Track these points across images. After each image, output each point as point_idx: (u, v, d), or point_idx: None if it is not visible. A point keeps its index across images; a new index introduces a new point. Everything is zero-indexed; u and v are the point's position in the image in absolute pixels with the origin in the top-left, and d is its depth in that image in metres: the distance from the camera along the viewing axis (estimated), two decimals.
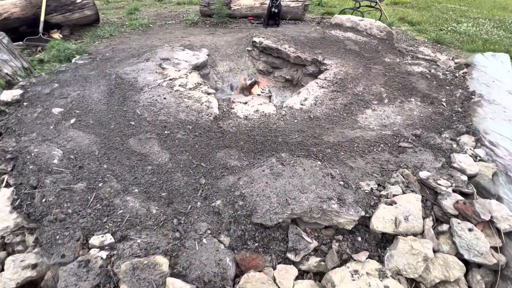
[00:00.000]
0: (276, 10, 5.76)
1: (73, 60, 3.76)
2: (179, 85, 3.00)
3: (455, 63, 3.74)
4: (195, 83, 3.07)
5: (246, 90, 4.22)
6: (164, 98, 2.78)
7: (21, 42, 4.85)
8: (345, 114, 2.70)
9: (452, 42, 6.00)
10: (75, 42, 5.28)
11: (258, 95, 4.15)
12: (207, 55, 4.47)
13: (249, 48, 4.68)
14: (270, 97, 4.29)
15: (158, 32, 5.65)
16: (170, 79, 3.11)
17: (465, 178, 1.91)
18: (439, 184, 1.81)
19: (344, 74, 3.36)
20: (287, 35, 4.79)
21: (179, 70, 3.38)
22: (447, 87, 3.22)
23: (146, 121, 2.50)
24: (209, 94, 2.88)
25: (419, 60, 3.91)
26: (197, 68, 3.88)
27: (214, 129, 2.46)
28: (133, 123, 2.48)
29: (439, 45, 5.89)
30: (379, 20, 6.69)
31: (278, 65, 4.47)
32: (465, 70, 3.56)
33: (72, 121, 2.49)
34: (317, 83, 3.19)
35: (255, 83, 4.28)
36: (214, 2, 6.38)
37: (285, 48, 4.25)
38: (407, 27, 7.03)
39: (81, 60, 3.73)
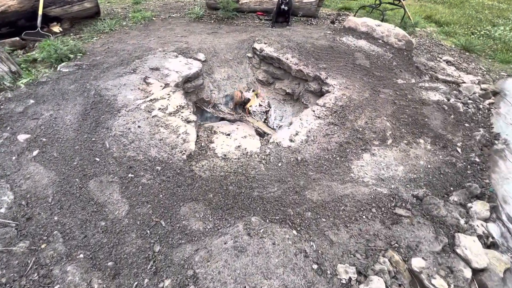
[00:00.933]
0: (286, 8, 5.19)
1: (58, 67, 3.50)
2: (159, 109, 2.68)
3: (481, 89, 3.16)
4: (176, 106, 2.74)
5: (242, 106, 3.84)
6: (139, 127, 2.48)
7: (17, 38, 4.64)
8: (338, 158, 2.31)
9: (483, 50, 5.23)
10: (74, 37, 5.02)
11: (254, 111, 3.76)
12: (204, 60, 4.08)
13: (250, 55, 4.23)
14: (267, 112, 3.90)
15: (159, 27, 5.26)
16: (151, 100, 2.79)
17: (468, 274, 1.52)
18: (433, 286, 1.44)
19: (346, 100, 2.90)
20: (293, 40, 4.27)
21: (165, 86, 3.03)
22: (466, 124, 2.71)
23: (112, 158, 2.23)
24: (189, 122, 2.55)
25: (438, 82, 3.35)
26: (189, 79, 3.53)
27: (185, 172, 2.16)
28: (98, 159, 2.22)
29: (467, 53, 5.16)
30: (402, 19, 5.96)
31: (279, 75, 4.02)
32: (492, 100, 2.99)
33: (35, 152, 2.26)
34: (313, 111, 2.77)
35: (248, 100, 3.86)
36: None
37: (287, 59, 3.78)
38: (433, 28, 6.23)
39: (66, 68, 3.46)
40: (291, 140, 2.46)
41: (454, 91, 3.16)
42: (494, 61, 4.99)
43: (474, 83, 3.27)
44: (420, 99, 2.97)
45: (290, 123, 2.63)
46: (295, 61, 3.73)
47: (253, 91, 4.13)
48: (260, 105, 3.97)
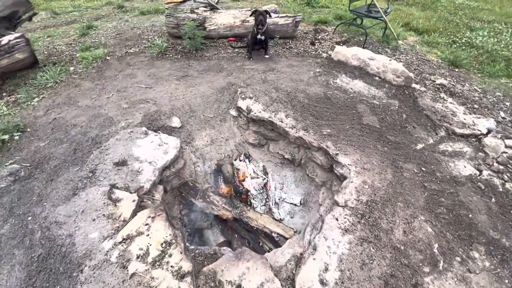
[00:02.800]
0: (262, 37, 4.36)
1: None
2: (138, 257, 1.87)
3: (507, 146, 2.69)
4: (161, 245, 1.93)
5: (239, 193, 3.04)
6: None
7: None
8: None
9: (471, 64, 4.84)
10: (8, 99, 3.85)
11: (253, 196, 3.01)
12: (180, 127, 3.23)
13: (234, 113, 3.41)
14: (266, 184, 3.18)
15: (117, 73, 4.20)
16: (124, 239, 1.96)
17: None
18: None
19: (370, 192, 2.27)
20: (281, 89, 3.51)
21: (138, 199, 2.19)
22: None
23: None
24: (183, 277, 1.79)
25: (456, 139, 2.83)
26: (166, 168, 2.69)
27: None
28: None
29: (456, 70, 4.74)
30: (384, 34, 5.37)
31: (274, 137, 3.29)
32: None
33: None
34: (336, 220, 2.11)
35: (243, 181, 3.08)
36: (185, 23, 4.85)
37: (282, 121, 3.03)
38: (414, 37, 5.73)
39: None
40: (323, 283, 1.81)
41: (480, 153, 2.66)
42: (484, 76, 4.62)
43: (497, 137, 2.79)
44: (451, 177, 2.42)
45: (314, 248, 1.96)
46: (292, 123, 3.01)
47: (245, 157, 3.37)
48: (255, 174, 3.24)
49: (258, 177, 3.19)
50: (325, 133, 2.84)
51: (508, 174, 2.43)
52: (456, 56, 4.85)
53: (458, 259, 1.91)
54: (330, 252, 1.94)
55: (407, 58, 4.93)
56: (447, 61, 4.86)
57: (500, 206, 2.21)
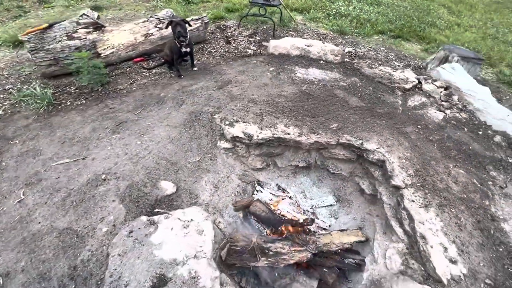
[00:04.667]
0: (188, 49, 3.71)
1: None
2: None
3: (438, 87, 3.51)
4: None
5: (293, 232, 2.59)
6: None
7: None
8: None
9: (350, 30, 5.85)
10: None
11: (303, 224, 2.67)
12: (176, 191, 2.43)
13: (227, 145, 2.83)
14: (291, 198, 2.91)
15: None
16: None
17: None
18: None
19: (409, 164, 2.45)
20: (256, 101, 3.14)
21: None
22: (480, 133, 2.98)
23: None
24: None
25: (410, 94, 3.44)
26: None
27: None
28: None
29: (346, 37, 5.63)
30: (281, 19, 5.65)
31: (279, 151, 2.98)
32: (455, 96, 3.38)
33: None
34: (413, 201, 2.19)
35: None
36: (67, 55, 3.48)
37: (288, 134, 2.77)
38: (299, 16, 6.33)
39: None
40: (452, 262, 1.89)
41: (430, 98, 3.36)
42: (363, 37, 5.71)
43: (423, 81, 3.57)
44: (436, 124, 2.97)
45: (422, 237, 1.97)
46: (296, 131, 2.80)
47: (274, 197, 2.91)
48: (276, 197, 2.90)
49: (283, 198, 2.88)
50: (334, 128, 2.81)
51: (456, 107, 3.21)
52: (339, 25, 5.73)
53: (490, 183, 2.42)
54: (435, 233, 2.03)
55: (310, 36, 5.42)
56: (336, 31, 5.68)
57: (471, 131, 2.92)
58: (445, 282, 1.82)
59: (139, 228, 1.96)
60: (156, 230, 1.97)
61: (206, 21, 4.54)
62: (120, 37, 3.90)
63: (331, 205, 2.93)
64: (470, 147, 2.72)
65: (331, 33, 5.66)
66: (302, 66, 3.71)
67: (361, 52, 4.88)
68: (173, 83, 3.67)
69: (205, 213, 2.16)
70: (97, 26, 3.89)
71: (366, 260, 2.29)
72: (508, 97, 3.98)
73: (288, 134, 2.77)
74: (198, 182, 2.60)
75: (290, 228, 2.42)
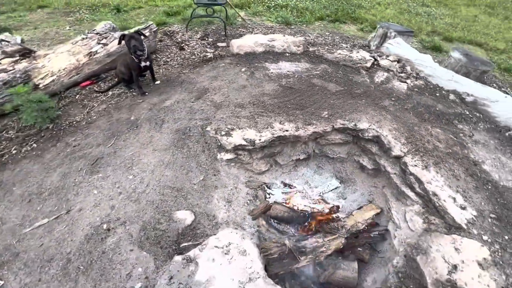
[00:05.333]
0: (147, 63, 3.38)
1: None
2: None
3: (391, 60, 3.91)
4: None
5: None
6: None
7: None
8: None
9: (294, 20, 6.07)
10: None
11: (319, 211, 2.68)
12: (194, 219, 2.23)
13: (229, 156, 2.66)
14: (300, 192, 2.94)
15: None
16: None
17: None
18: None
19: (405, 141, 2.70)
20: (242, 104, 3.04)
21: None
22: (442, 93, 3.44)
23: None
24: None
25: (371, 71, 3.77)
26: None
27: None
28: None
29: (292, 26, 5.83)
30: (227, 17, 5.54)
31: (279, 150, 2.95)
32: (408, 67, 3.82)
33: None
34: (436, 172, 2.42)
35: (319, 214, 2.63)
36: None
37: (286, 130, 2.75)
38: (243, 13, 6.29)
39: None
40: (474, 220, 2.16)
41: (390, 72, 3.74)
42: (307, 25, 6.01)
43: (378, 58, 3.96)
44: (405, 94, 3.32)
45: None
46: (293, 126, 2.80)
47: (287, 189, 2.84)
48: (284, 194, 2.90)
49: (290, 192, 2.90)
50: (326, 116, 2.92)
51: (412, 76, 3.64)
52: (283, 17, 5.90)
53: (461, 134, 2.84)
54: (442, 188, 2.30)
55: (259, 30, 5.46)
56: (282, 23, 5.84)
57: (431, 94, 3.37)
58: (464, 227, 2.09)
59: (178, 271, 1.74)
60: (197, 266, 1.77)
61: (154, 29, 4.17)
62: (58, 61, 3.30)
63: (336, 188, 3.06)
64: (437, 108, 3.14)
65: (278, 25, 5.78)
66: (271, 61, 3.72)
67: (311, 39, 5.12)
68: (140, 103, 3.30)
69: (238, 231, 2.03)
70: (25, 53, 3.21)
71: (389, 228, 2.47)
72: (441, 59, 4.69)
73: (287, 130, 2.76)
74: (210, 202, 2.42)
75: (317, 220, 2.45)
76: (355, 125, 2.80)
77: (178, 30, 5.04)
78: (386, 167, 2.66)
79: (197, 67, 3.85)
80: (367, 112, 2.96)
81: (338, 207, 2.53)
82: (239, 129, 2.73)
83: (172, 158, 2.59)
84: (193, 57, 4.27)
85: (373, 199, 2.83)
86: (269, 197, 2.78)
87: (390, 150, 2.62)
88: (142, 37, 3.25)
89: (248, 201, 2.68)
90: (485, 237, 2.03)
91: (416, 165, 2.46)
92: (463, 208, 2.19)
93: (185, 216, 2.19)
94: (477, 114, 3.19)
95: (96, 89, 3.52)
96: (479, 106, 3.17)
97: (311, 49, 4.15)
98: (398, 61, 3.85)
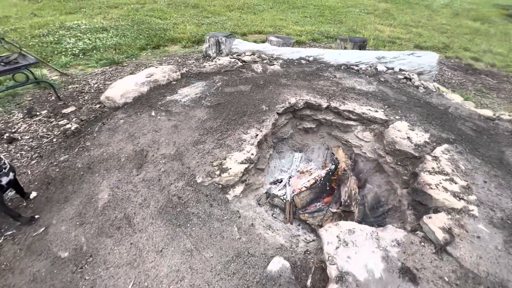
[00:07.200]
0: (12, 176, 2.17)
1: None
2: None
3: (250, 55, 4.57)
4: None
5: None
6: None
7: None
8: None
9: (119, 58, 5.48)
10: None
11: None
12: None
13: (238, 190, 2.30)
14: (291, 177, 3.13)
15: None
16: None
17: None
18: None
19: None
20: (193, 142, 2.64)
21: None
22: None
23: None
24: None
25: (254, 63, 4.31)
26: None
27: None
28: None
29: (125, 64, 5.29)
30: (36, 80, 4.19)
31: (261, 155, 2.87)
32: None
33: None
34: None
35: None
36: None
37: (256, 135, 2.75)
38: (45, 70, 4.85)
39: None
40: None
41: (260, 62, 4.44)
42: (137, 57, 5.66)
43: (242, 57, 4.59)
44: (285, 71, 4.14)
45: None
46: (254, 131, 2.87)
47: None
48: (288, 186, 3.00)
49: (285, 183, 3.07)
50: (266, 108, 3.20)
51: (273, 59, 4.57)
52: (108, 59, 5.21)
53: (331, 77, 4.08)
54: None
55: (97, 80, 4.57)
56: (110, 64, 5.15)
57: (295, 65, 4.45)
58: (375, 116, 3.20)
59: None
60: None
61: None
62: None
63: (301, 158, 3.52)
64: (306, 71, 4.23)
65: (108, 67, 5.04)
66: (170, 93, 3.37)
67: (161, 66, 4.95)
68: (38, 239, 2.09)
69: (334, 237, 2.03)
70: None
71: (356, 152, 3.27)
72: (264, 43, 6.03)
73: (257, 135, 2.81)
74: (266, 241, 2.16)
75: (334, 179, 2.84)
76: (289, 103, 3.29)
77: None
78: (325, 118, 3.39)
79: (79, 144, 2.81)
80: (285, 92, 3.52)
81: (338, 162, 3.02)
82: (224, 159, 2.47)
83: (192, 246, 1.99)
84: (50, 144, 3.00)
85: (328, 146, 3.52)
86: (284, 198, 2.78)
87: (320, 105, 3.35)
88: None
89: (273, 218, 2.60)
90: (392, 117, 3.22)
91: (338, 106, 3.35)
92: (371, 110, 3.30)
93: (277, 262, 1.86)
94: (322, 64, 4.61)
95: None
96: (319, 59, 4.60)
97: (184, 70, 4.10)
98: (253, 53, 4.67)
